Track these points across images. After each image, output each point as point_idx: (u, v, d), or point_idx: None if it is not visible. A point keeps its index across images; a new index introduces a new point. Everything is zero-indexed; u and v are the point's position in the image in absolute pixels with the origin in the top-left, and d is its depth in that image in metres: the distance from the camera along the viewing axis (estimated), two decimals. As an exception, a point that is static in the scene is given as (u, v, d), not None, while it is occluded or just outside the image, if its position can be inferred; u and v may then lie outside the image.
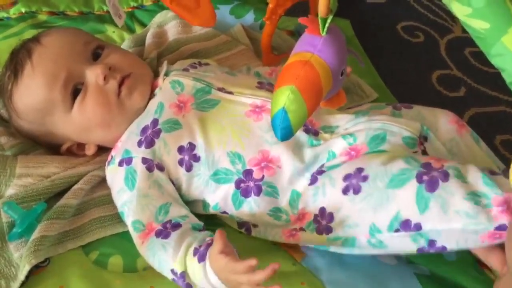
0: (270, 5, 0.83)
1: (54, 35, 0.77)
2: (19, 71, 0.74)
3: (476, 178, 0.61)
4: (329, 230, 0.67)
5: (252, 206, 0.70)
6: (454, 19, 1.13)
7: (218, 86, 0.74)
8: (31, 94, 0.74)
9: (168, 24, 0.95)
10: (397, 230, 0.62)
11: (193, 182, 0.71)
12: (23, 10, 1.00)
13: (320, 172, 0.69)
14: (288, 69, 0.54)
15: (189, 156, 0.71)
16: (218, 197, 0.71)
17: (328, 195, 0.67)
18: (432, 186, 0.61)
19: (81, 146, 0.78)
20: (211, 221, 0.73)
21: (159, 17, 0.97)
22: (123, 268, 0.70)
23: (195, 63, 0.81)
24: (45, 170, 0.74)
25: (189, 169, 0.71)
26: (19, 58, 0.75)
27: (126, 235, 0.70)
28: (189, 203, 0.72)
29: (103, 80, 0.73)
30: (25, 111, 0.76)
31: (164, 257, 0.64)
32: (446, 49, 1.10)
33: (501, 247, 0.61)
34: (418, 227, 0.62)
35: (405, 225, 0.62)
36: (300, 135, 0.70)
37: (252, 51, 0.93)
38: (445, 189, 0.61)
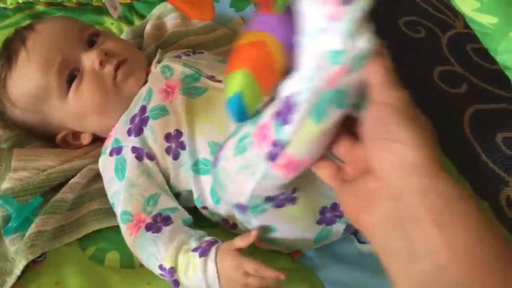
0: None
1: (49, 22, 0.76)
2: (13, 58, 0.73)
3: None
4: None
5: None
6: (456, 14, 1.12)
7: (207, 74, 0.72)
8: (26, 80, 0.73)
9: (167, 16, 0.93)
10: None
11: (180, 172, 0.69)
12: (20, 0, 0.99)
13: None
14: (240, 52, 0.52)
15: (176, 143, 0.68)
16: (199, 189, 0.68)
17: None
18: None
19: (76, 135, 0.77)
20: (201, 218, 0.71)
21: (158, 9, 0.96)
22: (120, 264, 0.69)
23: (188, 51, 0.79)
24: (41, 164, 0.73)
25: (176, 157, 0.68)
26: (13, 46, 0.74)
27: (123, 230, 0.69)
28: (179, 195, 0.71)
29: (99, 65, 0.72)
30: (20, 99, 0.74)
31: (153, 252, 0.63)
32: (447, 45, 1.09)
33: None
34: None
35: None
36: None
37: (252, 44, 0.92)
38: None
